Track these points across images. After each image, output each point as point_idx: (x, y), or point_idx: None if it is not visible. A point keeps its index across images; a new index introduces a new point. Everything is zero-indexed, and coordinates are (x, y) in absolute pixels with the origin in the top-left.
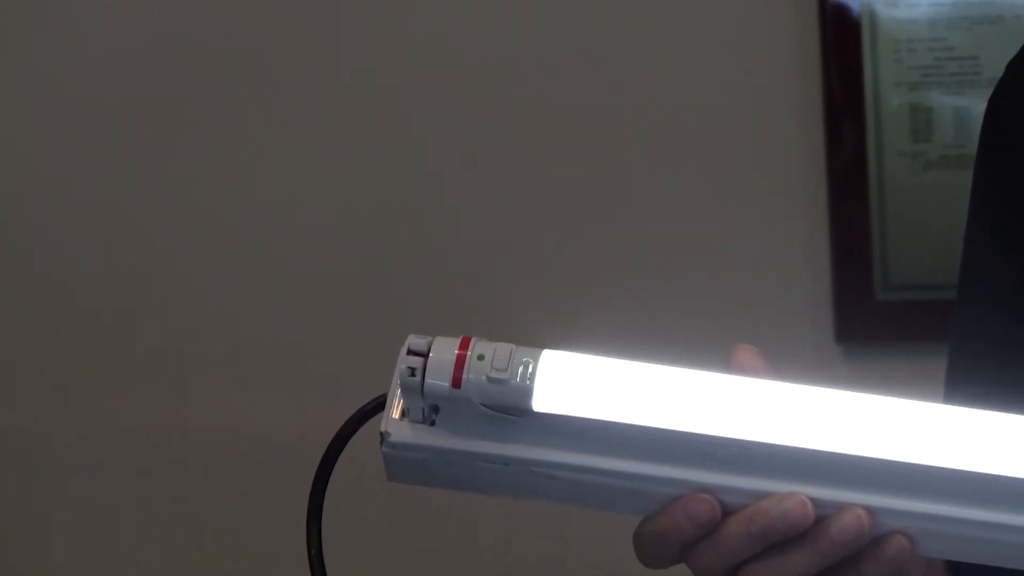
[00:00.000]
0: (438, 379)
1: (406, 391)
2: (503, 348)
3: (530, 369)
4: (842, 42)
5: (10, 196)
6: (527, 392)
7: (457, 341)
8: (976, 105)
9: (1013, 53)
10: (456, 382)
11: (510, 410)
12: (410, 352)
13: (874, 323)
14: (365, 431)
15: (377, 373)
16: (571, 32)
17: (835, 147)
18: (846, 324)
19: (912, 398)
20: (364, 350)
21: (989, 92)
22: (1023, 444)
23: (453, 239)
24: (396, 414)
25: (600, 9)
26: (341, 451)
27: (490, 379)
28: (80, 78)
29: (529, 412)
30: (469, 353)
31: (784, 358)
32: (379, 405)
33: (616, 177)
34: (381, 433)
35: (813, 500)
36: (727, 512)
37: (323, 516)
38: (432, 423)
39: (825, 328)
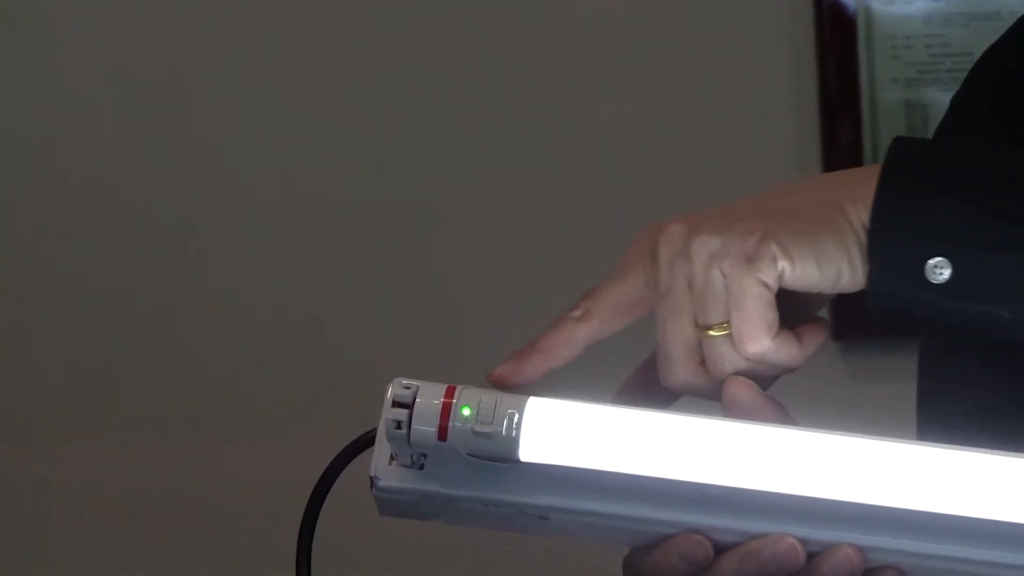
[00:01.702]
0: (423, 433)
1: (393, 440)
2: (488, 398)
3: (515, 420)
4: (838, 39)
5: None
6: (513, 444)
7: (442, 389)
8: None
9: None
10: (442, 434)
11: (497, 459)
12: (395, 404)
13: (871, 319)
14: (357, 463)
15: (373, 393)
16: (565, 29)
17: (831, 144)
18: (843, 321)
19: (909, 395)
20: (358, 380)
21: None
22: (1009, 486)
23: (448, 250)
24: (385, 458)
25: (595, 5)
26: (330, 487)
27: (476, 432)
28: (77, 81)
29: (516, 461)
30: (454, 403)
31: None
32: (368, 440)
33: (609, 175)
34: (371, 477)
35: (804, 540)
36: (719, 548)
37: (313, 552)
38: (421, 467)
39: None
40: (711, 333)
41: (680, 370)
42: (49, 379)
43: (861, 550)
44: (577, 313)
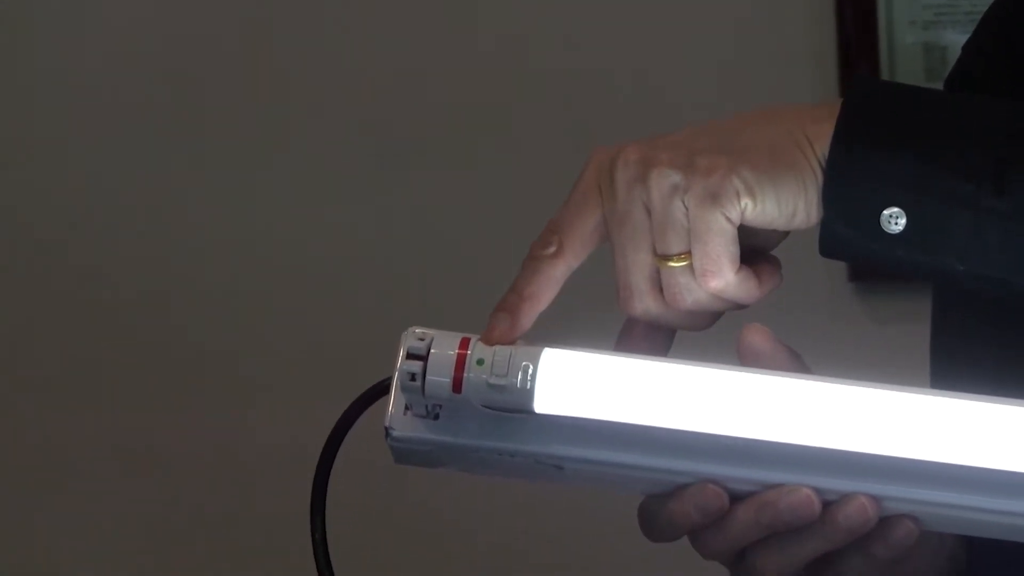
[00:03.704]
0: (438, 384)
1: (407, 392)
2: (502, 349)
3: (530, 372)
4: None
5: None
6: (528, 396)
7: (457, 339)
8: None
9: None
10: (456, 386)
11: (512, 411)
12: (409, 356)
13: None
14: (371, 417)
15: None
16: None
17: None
18: None
19: (924, 336)
20: (367, 342)
21: None
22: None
23: (454, 232)
24: (400, 408)
25: None
26: (344, 435)
27: (490, 385)
28: (82, 83)
29: (532, 413)
30: (469, 355)
31: (798, 297)
32: (381, 389)
33: (625, 125)
34: (385, 427)
35: (819, 490)
36: (734, 498)
37: (327, 506)
38: (436, 416)
39: (839, 266)
40: (671, 264)
41: (639, 298)
42: (67, 334)
43: (876, 499)
44: (551, 249)
